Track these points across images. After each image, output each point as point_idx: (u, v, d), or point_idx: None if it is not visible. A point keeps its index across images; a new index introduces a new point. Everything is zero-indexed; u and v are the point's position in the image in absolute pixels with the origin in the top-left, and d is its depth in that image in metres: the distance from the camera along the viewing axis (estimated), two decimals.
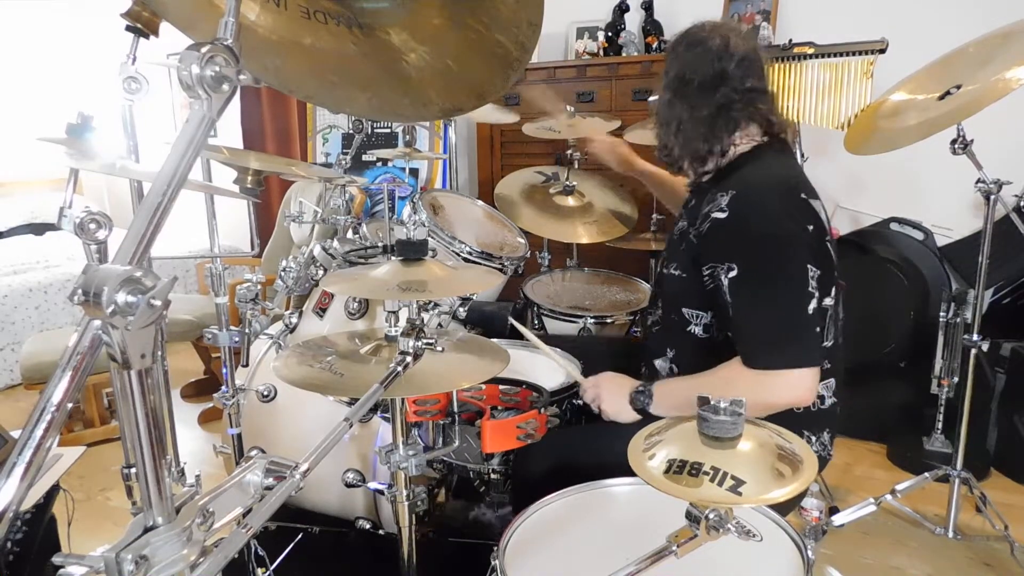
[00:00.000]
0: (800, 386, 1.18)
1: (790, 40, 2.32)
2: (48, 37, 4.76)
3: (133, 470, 0.66)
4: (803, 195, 1.25)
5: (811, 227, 1.22)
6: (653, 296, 1.53)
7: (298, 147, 4.09)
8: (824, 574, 1.78)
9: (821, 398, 1.32)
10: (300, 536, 1.59)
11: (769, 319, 1.20)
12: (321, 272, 1.79)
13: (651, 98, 1.46)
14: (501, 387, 1.46)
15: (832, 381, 1.33)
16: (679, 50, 1.35)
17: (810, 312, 1.18)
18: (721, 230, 1.24)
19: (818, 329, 1.20)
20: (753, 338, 1.21)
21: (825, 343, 1.29)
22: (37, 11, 4.71)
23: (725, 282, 1.21)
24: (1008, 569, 1.90)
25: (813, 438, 1.33)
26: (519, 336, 1.80)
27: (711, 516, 0.72)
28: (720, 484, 0.73)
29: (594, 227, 2.30)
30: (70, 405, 0.54)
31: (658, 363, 1.43)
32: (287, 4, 0.80)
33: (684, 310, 1.35)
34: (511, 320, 1.69)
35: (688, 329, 1.35)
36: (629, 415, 1.34)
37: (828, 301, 1.26)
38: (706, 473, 0.74)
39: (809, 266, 1.18)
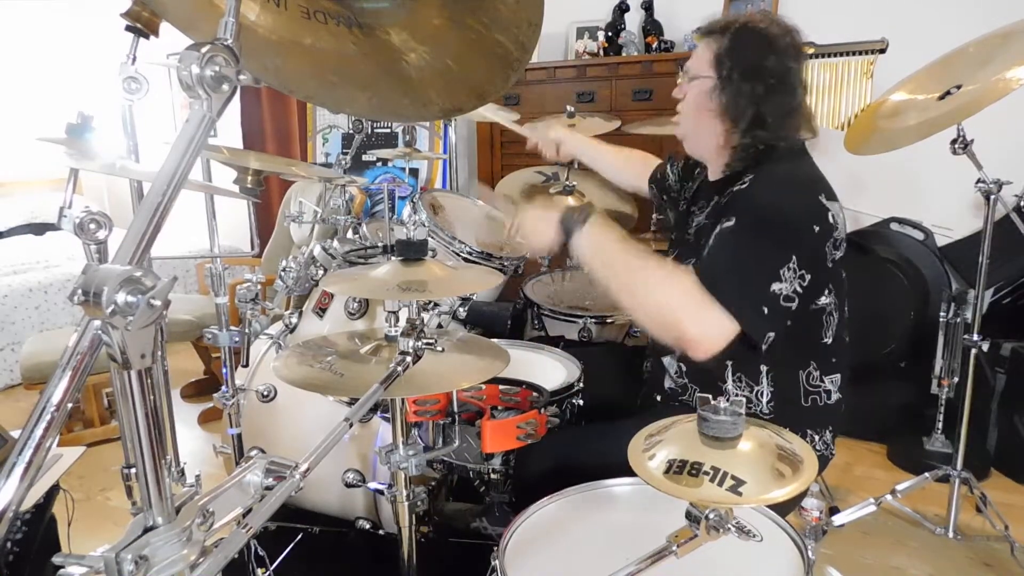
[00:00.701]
0: (718, 333, 1.12)
1: None
2: (48, 37, 4.75)
3: (133, 470, 0.66)
4: (821, 196, 1.24)
5: (816, 228, 1.21)
6: None
7: (298, 147, 4.09)
8: (824, 574, 1.78)
9: (828, 393, 1.33)
10: (300, 536, 1.59)
11: (737, 265, 1.17)
12: (321, 272, 1.79)
13: (691, 80, 1.38)
14: (501, 387, 1.46)
15: (838, 377, 1.34)
16: (758, 38, 1.31)
17: (771, 290, 1.15)
18: (737, 196, 1.26)
19: (766, 311, 1.15)
20: (715, 268, 1.18)
21: (825, 340, 1.30)
22: (37, 11, 4.71)
23: (716, 230, 1.22)
24: (1008, 569, 1.89)
25: (816, 437, 1.33)
26: (520, 336, 1.80)
27: (711, 516, 0.72)
28: (720, 484, 0.73)
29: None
30: (70, 405, 0.54)
31: (666, 360, 1.43)
32: (287, 4, 0.80)
33: None
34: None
35: None
36: (549, 235, 1.24)
37: (822, 301, 1.26)
38: (706, 473, 0.74)
39: (794, 257, 1.17)
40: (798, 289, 1.17)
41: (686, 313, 1.12)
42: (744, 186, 1.27)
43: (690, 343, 1.12)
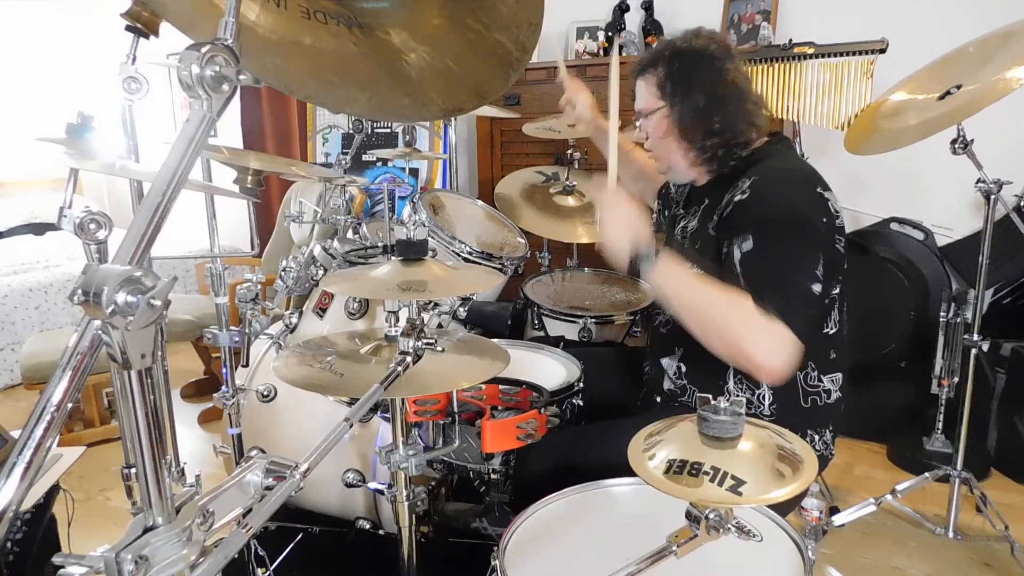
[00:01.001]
0: (782, 349, 1.11)
1: (790, 40, 2.32)
2: (48, 37, 4.75)
3: (133, 470, 0.66)
4: (819, 188, 1.26)
5: (824, 220, 1.23)
6: None
7: (298, 147, 4.09)
8: (824, 574, 1.78)
9: (827, 392, 1.33)
10: (300, 536, 1.59)
11: (775, 285, 1.17)
12: (321, 272, 1.79)
13: (646, 118, 1.42)
14: (501, 387, 1.46)
15: (839, 376, 1.34)
16: (688, 56, 1.36)
17: (812, 290, 1.17)
18: (741, 209, 1.25)
19: (813, 312, 1.19)
20: (758, 294, 1.16)
21: (827, 330, 1.31)
22: (37, 11, 4.71)
23: (738, 254, 1.21)
24: (1008, 569, 1.89)
25: (816, 436, 1.33)
26: (520, 336, 1.80)
27: (711, 516, 0.72)
28: (720, 484, 0.73)
29: (594, 227, 2.30)
30: (70, 405, 0.54)
31: (665, 361, 1.43)
32: (287, 4, 0.80)
33: None
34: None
35: None
36: (622, 259, 1.23)
37: (835, 292, 1.27)
38: (706, 473, 0.74)
39: (821, 254, 1.19)
40: (823, 284, 1.19)
41: (753, 336, 1.11)
42: (745, 196, 1.25)
43: (761, 368, 1.12)
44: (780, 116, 2.30)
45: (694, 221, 1.43)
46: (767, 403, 1.31)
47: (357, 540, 1.59)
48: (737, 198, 1.27)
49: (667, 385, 1.42)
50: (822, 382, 1.32)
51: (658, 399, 1.44)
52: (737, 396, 1.32)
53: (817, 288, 1.17)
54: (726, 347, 1.14)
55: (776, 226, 1.21)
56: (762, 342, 1.10)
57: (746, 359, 1.12)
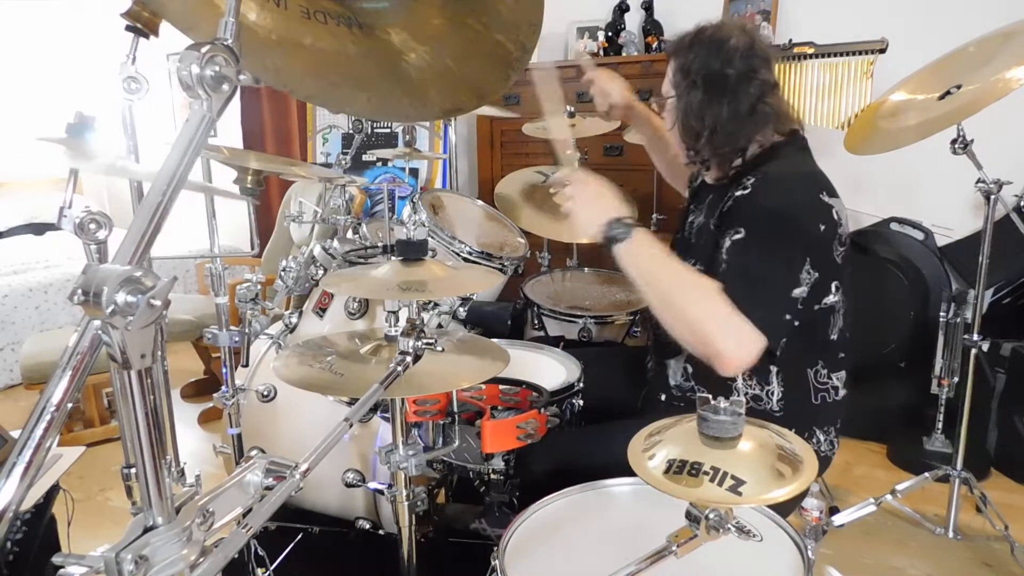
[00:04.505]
0: (748, 348, 1.12)
1: (790, 40, 2.33)
2: (48, 37, 4.75)
3: (133, 470, 0.66)
4: (823, 194, 1.25)
5: (823, 227, 1.21)
6: None
7: (298, 147, 4.09)
8: (824, 574, 1.78)
9: (835, 390, 1.33)
10: (300, 536, 1.59)
11: (755, 279, 1.17)
12: (321, 272, 1.79)
13: (661, 98, 1.41)
14: (501, 387, 1.46)
15: (843, 374, 1.34)
16: (704, 47, 1.32)
17: (793, 295, 1.17)
18: (740, 203, 1.25)
19: (787, 317, 1.17)
20: (736, 284, 1.15)
21: (831, 336, 1.31)
22: (37, 11, 4.71)
23: (726, 243, 1.21)
24: (1008, 569, 1.89)
25: (823, 437, 1.34)
26: (519, 336, 1.81)
27: (711, 516, 0.72)
28: (720, 484, 0.72)
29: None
30: (70, 405, 0.54)
31: (671, 362, 1.41)
32: (287, 4, 0.80)
33: None
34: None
35: None
36: (594, 225, 1.19)
37: (830, 299, 1.25)
38: (706, 473, 0.74)
39: (809, 259, 1.18)
40: (809, 290, 1.18)
41: (719, 330, 1.12)
42: (746, 192, 1.25)
43: (722, 359, 1.12)
44: None
45: (700, 217, 1.43)
46: (775, 399, 1.31)
47: (357, 540, 1.59)
48: (738, 193, 1.26)
49: (673, 384, 1.41)
50: (831, 379, 1.32)
51: (663, 397, 1.43)
52: (747, 391, 1.31)
53: (800, 292, 1.17)
54: (692, 335, 1.14)
55: (767, 223, 1.21)
56: (730, 338, 1.11)
57: (712, 350, 1.12)
